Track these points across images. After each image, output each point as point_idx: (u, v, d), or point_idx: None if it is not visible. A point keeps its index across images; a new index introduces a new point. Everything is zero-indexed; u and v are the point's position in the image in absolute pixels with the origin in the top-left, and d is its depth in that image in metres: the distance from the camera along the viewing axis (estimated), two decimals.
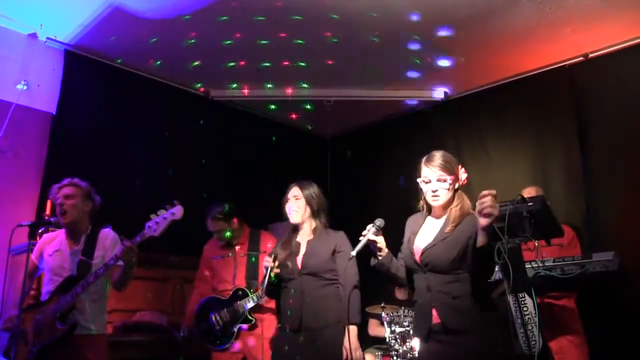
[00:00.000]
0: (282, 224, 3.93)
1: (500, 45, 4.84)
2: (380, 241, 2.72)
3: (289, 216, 3.52)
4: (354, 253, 2.71)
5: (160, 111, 5.44)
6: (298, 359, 3.18)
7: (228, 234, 4.26)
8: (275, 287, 3.45)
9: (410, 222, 2.87)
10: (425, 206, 2.80)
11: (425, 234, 2.73)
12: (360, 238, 2.71)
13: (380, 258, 2.75)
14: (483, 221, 2.35)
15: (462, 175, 2.70)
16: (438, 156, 2.70)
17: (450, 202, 2.69)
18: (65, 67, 4.88)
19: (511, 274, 2.96)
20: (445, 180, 2.64)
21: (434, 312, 2.61)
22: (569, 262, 3.28)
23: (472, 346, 2.50)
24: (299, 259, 3.39)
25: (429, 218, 2.79)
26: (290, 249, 3.43)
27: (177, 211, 3.08)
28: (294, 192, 3.51)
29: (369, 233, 2.68)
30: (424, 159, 2.73)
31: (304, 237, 3.51)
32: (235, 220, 4.32)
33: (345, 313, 3.17)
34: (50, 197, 3.41)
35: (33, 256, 3.30)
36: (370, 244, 2.72)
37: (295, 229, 3.54)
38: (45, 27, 4.74)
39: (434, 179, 2.66)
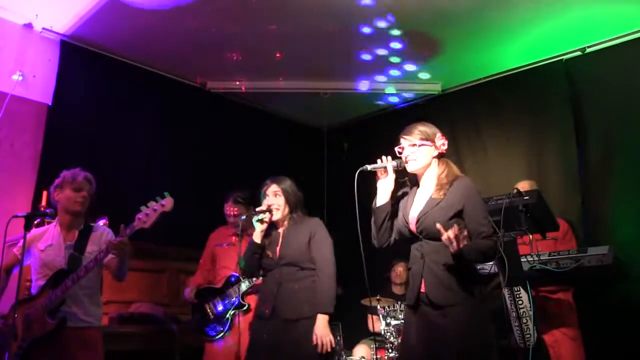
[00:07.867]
0: None
1: (497, 38, 4.84)
2: (391, 177, 2.81)
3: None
4: (368, 167, 2.81)
5: (157, 102, 5.42)
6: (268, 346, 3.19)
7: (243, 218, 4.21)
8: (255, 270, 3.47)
9: (402, 200, 2.89)
10: (409, 181, 2.90)
11: (418, 203, 2.77)
12: (380, 160, 2.82)
13: (385, 202, 2.81)
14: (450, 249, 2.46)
15: (439, 140, 2.77)
16: (411, 126, 2.82)
17: (434, 169, 2.78)
18: (61, 57, 4.85)
19: (506, 268, 2.98)
20: (415, 145, 2.76)
21: (423, 281, 2.63)
22: (564, 256, 3.29)
23: (455, 322, 2.51)
24: (278, 249, 3.39)
25: (418, 191, 2.83)
26: (270, 239, 3.43)
27: (167, 203, 3.08)
28: (273, 188, 3.46)
29: (391, 161, 2.81)
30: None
31: (281, 228, 3.48)
32: (253, 209, 4.30)
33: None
34: (59, 183, 3.30)
35: (16, 250, 3.27)
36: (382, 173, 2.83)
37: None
38: (40, 17, 4.71)
39: (406, 145, 2.79)
